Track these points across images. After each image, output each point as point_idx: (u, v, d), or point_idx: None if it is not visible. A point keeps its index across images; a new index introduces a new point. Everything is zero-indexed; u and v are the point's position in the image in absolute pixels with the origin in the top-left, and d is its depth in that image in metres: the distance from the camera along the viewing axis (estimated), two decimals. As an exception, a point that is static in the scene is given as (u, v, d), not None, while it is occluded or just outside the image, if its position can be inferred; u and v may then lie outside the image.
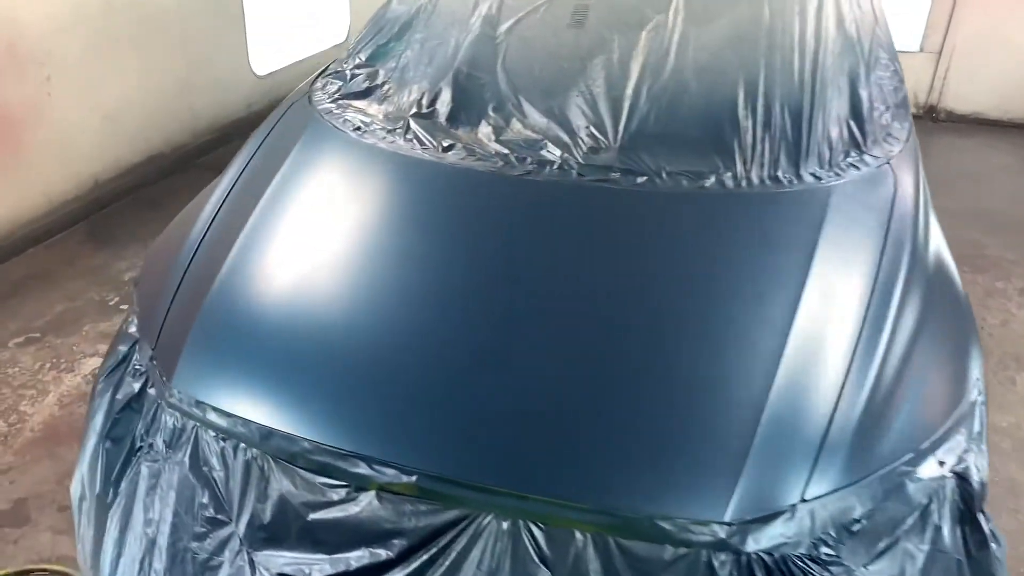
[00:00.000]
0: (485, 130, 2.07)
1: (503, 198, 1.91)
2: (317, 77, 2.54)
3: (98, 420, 1.75)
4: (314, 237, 1.86)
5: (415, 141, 2.06)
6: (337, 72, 2.45)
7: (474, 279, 1.71)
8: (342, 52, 2.65)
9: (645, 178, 1.88)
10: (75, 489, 1.77)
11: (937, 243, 1.95)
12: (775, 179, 1.89)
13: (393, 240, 1.83)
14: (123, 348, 1.83)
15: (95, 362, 3.00)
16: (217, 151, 4.96)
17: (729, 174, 1.89)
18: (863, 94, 2.13)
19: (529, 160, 1.95)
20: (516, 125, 2.07)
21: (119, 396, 1.74)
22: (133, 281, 2.09)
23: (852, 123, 2.06)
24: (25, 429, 2.69)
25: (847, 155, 1.99)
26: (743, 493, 1.34)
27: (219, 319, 1.70)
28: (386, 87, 2.30)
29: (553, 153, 1.97)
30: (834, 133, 2.01)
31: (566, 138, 2.00)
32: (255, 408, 1.53)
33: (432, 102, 2.17)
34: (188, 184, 4.47)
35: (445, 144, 2.03)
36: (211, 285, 1.75)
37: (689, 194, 1.85)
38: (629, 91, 2.06)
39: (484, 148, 2.01)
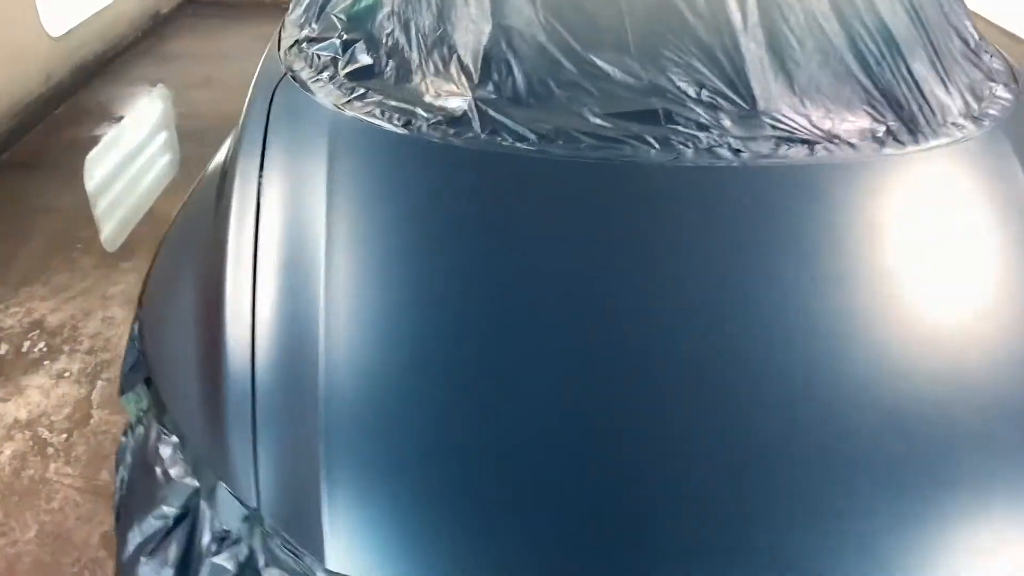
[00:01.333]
0: (574, 108, 1.56)
1: (664, 202, 1.44)
2: (282, 48, 1.85)
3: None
4: (438, 300, 1.30)
5: (504, 133, 1.51)
6: (318, 41, 1.78)
7: (690, 330, 1.25)
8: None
9: (819, 145, 1.51)
10: None
11: None
12: (948, 127, 1.59)
13: (555, 288, 1.31)
14: (173, 507, 1.21)
15: (-16, 468, 2.18)
16: (23, 140, 3.87)
17: (905, 129, 1.56)
18: (959, 21, 1.87)
19: (672, 141, 1.49)
20: (608, 95, 1.58)
21: (204, 583, 1.14)
22: (132, 387, 1.41)
23: (973, 54, 1.80)
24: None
25: (990, 89, 1.74)
26: None
27: (362, 453, 1.13)
28: (405, 60, 1.69)
29: (687, 128, 1.52)
30: (970, 66, 1.75)
31: (694, 108, 1.55)
32: None
33: (486, 77, 1.61)
34: None
35: (544, 131, 1.51)
36: (316, 402, 1.16)
37: (878, 161, 1.50)
38: (733, 37, 1.62)
39: (593, 132, 1.51)
